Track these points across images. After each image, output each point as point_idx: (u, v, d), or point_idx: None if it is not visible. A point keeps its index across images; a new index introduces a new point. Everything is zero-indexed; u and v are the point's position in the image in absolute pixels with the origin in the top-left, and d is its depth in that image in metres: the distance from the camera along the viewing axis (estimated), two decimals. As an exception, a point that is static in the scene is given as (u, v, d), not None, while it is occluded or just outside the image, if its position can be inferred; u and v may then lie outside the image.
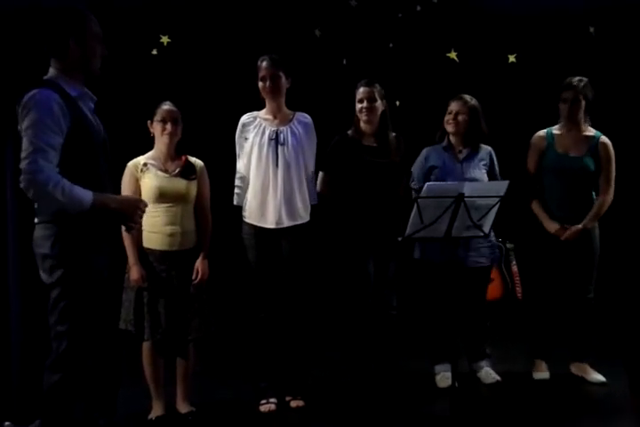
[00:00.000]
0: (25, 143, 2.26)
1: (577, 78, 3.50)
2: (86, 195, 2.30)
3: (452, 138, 3.56)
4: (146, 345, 3.15)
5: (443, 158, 3.53)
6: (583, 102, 3.47)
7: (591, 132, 3.55)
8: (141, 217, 2.48)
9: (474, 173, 3.48)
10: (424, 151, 3.60)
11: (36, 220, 2.40)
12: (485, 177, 3.51)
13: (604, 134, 3.55)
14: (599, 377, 3.55)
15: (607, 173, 3.50)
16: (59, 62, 2.42)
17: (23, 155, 2.25)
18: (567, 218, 3.49)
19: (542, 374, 3.61)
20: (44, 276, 2.38)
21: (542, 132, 3.60)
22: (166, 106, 3.14)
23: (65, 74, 2.41)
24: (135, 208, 2.44)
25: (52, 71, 2.43)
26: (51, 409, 2.37)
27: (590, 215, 3.48)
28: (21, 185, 2.25)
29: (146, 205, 2.50)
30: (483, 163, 3.54)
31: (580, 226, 3.46)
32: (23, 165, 2.24)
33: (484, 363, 3.63)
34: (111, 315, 2.61)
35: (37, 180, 2.22)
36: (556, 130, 3.58)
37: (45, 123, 2.25)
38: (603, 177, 3.50)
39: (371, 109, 3.40)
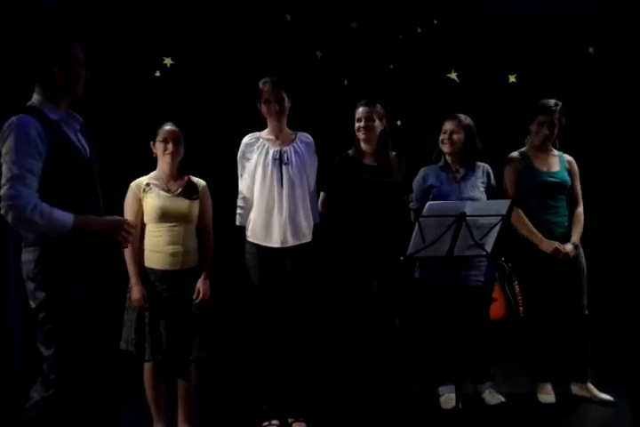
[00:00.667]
0: (4, 170, 2.27)
1: (553, 102, 3.56)
2: (66, 217, 2.29)
3: (448, 158, 3.56)
4: (147, 366, 3.13)
5: (440, 178, 3.53)
6: (558, 126, 3.55)
7: (555, 151, 3.64)
8: (126, 238, 2.44)
9: (472, 192, 3.48)
10: (421, 171, 3.60)
11: (22, 244, 2.40)
12: (484, 196, 3.50)
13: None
14: (605, 396, 3.51)
15: (577, 187, 3.62)
16: (43, 89, 2.42)
17: (2, 181, 2.26)
18: (553, 236, 3.48)
19: (548, 397, 3.56)
20: (30, 299, 2.37)
21: (516, 154, 3.62)
22: (168, 126, 3.16)
23: (48, 100, 2.42)
24: (119, 229, 2.41)
25: (35, 97, 2.43)
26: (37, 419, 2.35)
27: (577, 229, 3.53)
28: (1, 211, 2.25)
29: (131, 226, 2.48)
30: (480, 181, 3.54)
31: (573, 242, 3.47)
32: (2, 191, 2.24)
33: (488, 384, 3.59)
34: (103, 336, 2.56)
35: (15, 205, 2.22)
36: (527, 151, 3.62)
37: (23, 148, 2.25)
38: (574, 191, 3.61)
39: (368, 129, 3.40)
